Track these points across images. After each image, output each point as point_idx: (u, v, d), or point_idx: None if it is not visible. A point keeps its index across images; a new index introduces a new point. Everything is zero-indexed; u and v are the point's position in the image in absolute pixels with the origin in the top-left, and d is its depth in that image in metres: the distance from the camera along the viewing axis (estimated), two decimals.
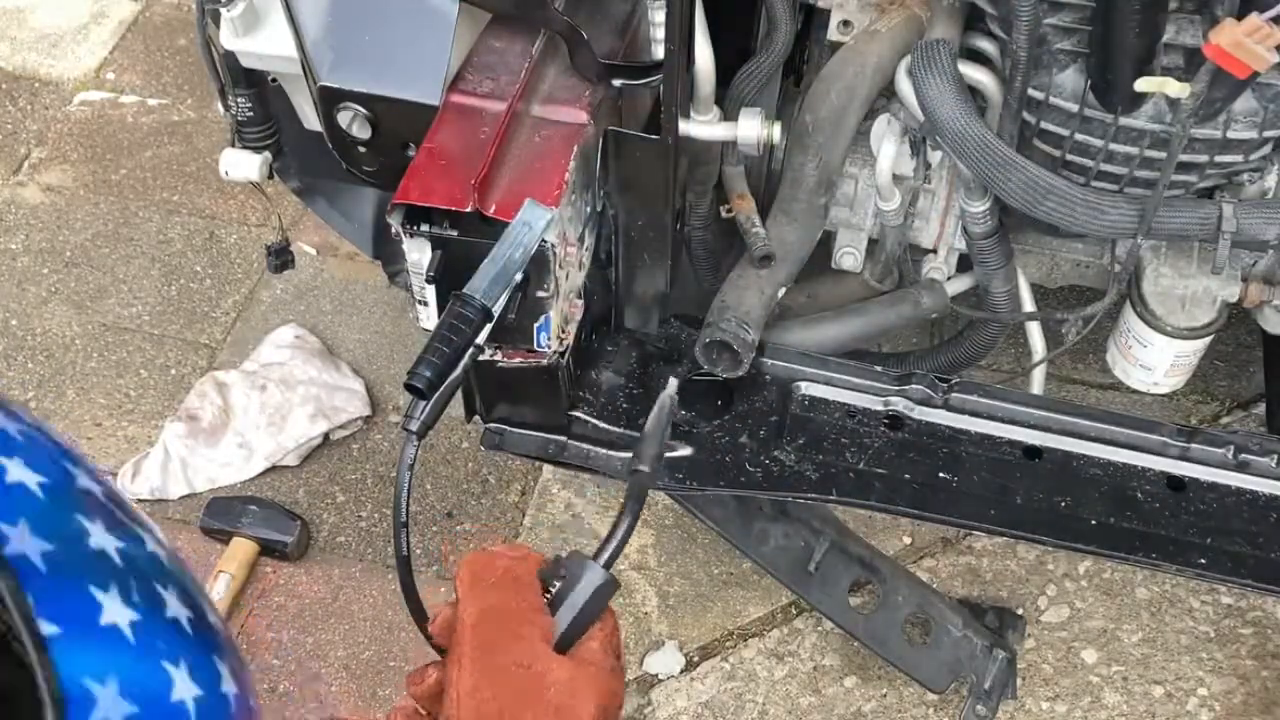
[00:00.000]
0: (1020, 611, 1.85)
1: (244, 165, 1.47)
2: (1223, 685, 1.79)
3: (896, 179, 1.46)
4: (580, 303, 1.29)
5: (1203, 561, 1.33)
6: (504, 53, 1.24)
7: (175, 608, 0.55)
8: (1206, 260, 1.46)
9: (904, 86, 1.37)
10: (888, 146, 1.43)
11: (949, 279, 1.60)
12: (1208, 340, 1.52)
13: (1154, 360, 1.54)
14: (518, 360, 1.27)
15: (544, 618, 0.84)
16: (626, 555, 1.94)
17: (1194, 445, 1.38)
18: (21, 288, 2.30)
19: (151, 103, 2.62)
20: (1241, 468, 1.37)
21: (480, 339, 0.99)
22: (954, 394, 1.41)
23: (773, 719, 1.78)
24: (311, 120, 1.40)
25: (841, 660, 1.83)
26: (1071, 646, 1.84)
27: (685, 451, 1.42)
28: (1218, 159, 1.30)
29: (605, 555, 0.86)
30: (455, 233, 1.15)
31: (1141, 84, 1.20)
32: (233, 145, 1.47)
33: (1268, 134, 1.28)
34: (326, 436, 2.05)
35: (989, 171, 1.31)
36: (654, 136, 1.23)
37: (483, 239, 1.12)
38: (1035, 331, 1.62)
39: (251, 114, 1.43)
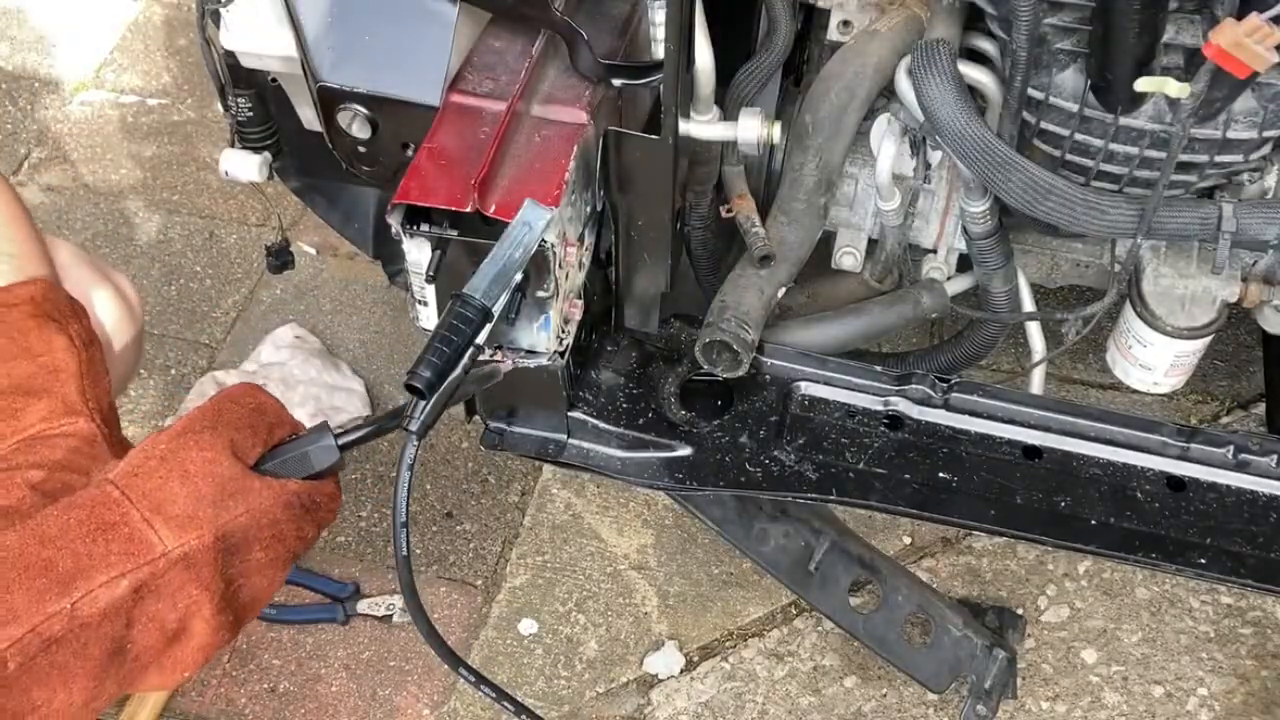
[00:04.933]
0: (1020, 611, 1.85)
1: (244, 165, 1.47)
2: (1223, 685, 1.79)
3: (896, 179, 1.46)
4: (580, 303, 1.29)
5: (1203, 561, 1.33)
6: (504, 53, 1.24)
7: None
8: (1206, 260, 1.46)
9: (904, 86, 1.37)
10: (888, 146, 1.43)
11: (949, 279, 1.60)
12: (1208, 340, 1.52)
13: (1154, 360, 1.54)
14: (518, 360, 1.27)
15: (254, 438, 0.95)
16: (626, 555, 1.94)
17: (1194, 445, 1.38)
18: None
19: (151, 103, 2.62)
20: (1241, 468, 1.37)
21: (480, 339, 0.99)
22: (954, 394, 1.41)
23: (773, 719, 1.78)
24: (311, 120, 1.40)
25: (841, 660, 1.83)
26: (1071, 646, 1.84)
27: (685, 451, 1.42)
28: (1218, 159, 1.30)
29: (348, 438, 0.98)
30: (455, 233, 1.15)
31: (1141, 84, 1.20)
32: (233, 145, 1.47)
33: (1268, 134, 1.28)
34: None
35: (989, 171, 1.31)
36: (654, 136, 1.23)
37: (483, 239, 1.12)
38: (1035, 331, 1.62)
39: (251, 114, 1.43)
